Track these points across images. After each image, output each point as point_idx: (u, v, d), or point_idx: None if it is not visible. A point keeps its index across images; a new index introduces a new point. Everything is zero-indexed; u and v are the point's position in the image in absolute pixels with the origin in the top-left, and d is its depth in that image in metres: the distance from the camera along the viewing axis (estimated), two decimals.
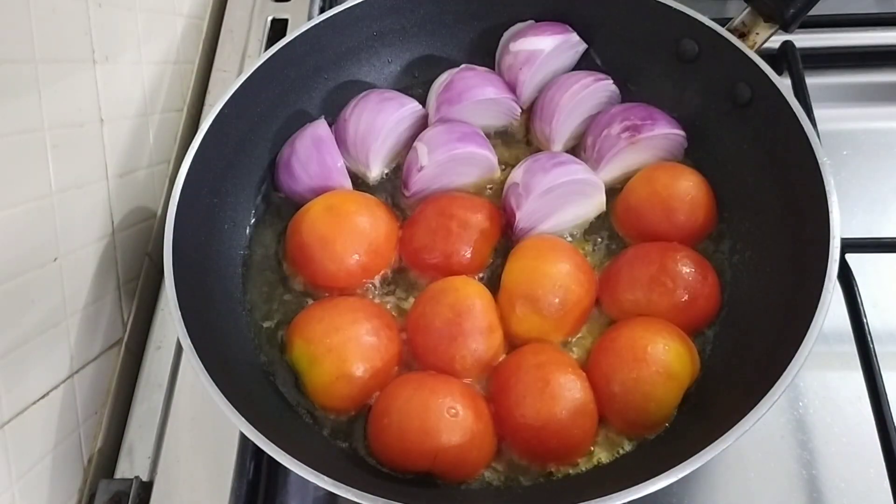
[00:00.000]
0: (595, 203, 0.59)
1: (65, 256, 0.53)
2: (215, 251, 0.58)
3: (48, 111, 0.51)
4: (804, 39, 0.70)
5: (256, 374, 0.54)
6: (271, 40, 0.75)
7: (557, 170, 0.57)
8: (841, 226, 0.47)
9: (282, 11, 0.78)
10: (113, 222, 0.60)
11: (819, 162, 0.49)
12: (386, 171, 0.65)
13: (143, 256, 0.65)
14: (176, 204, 0.52)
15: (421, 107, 0.65)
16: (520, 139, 0.67)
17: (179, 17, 0.73)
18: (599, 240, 0.60)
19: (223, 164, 0.59)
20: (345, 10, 0.62)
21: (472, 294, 0.53)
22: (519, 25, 0.67)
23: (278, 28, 0.77)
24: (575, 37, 0.66)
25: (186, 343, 0.47)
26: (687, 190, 0.57)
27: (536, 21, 0.67)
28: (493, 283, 0.55)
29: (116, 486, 0.53)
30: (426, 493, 0.49)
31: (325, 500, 0.54)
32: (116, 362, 0.60)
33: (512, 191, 0.58)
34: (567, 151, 0.63)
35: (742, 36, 0.58)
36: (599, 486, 0.43)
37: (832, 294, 0.45)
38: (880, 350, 0.52)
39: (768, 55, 0.61)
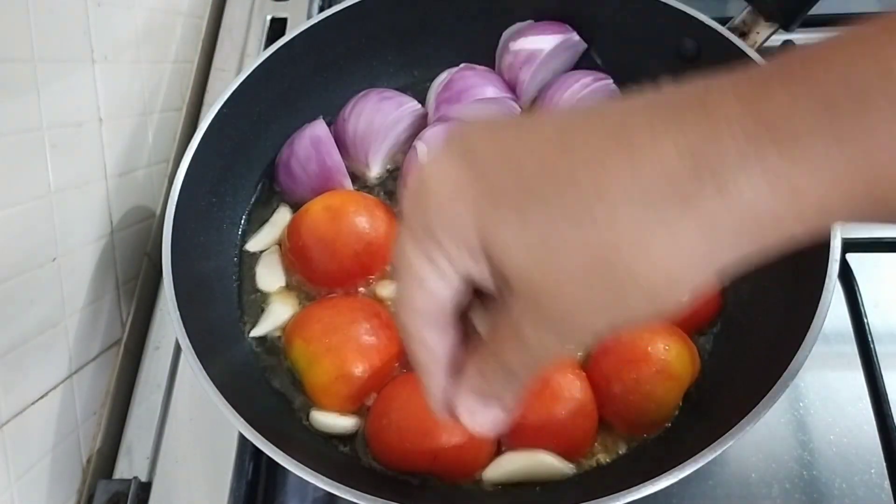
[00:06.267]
0: None
1: (63, 256, 0.53)
2: (214, 251, 0.58)
3: (47, 110, 0.51)
4: (805, 38, 0.70)
5: (255, 375, 0.54)
6: (270, 39, 0.75)
7: None
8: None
9: (281, 10, 0.77)
10: (112, 222, 0.60)
11: None
12: (386, 171, 0.64)
13: (141, 256, 0.65)
14: (175, 203, 0.52)
15: (420, 106, 0.65)
16: None
17: (178, 15, 0.72)
18: None
19: (222, 164, 0.59)
20: (344, 9, 0.62)
21: None
22: (519, 25, 0.67)
23: (277, 27, 0.77)
24: (575, 36, 0.66)
25: (185, 343, 0.46)
26: None
27: (536, 21, 0.67)
28: None
29: (115, 487, 0.53)
30: (426, 493, 0.48)
31: (324, 501, 0.54)
32: (115, 362, 0.60)
33: None
34: None
35: (743, 35, 0.58)
36: (599, 486, 0.43)
37: (833, 294, 0.44)
38: (881, 350, 0.52)
39: (769, 54, 0.60)
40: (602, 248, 0.24)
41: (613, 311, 0.25)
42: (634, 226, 0.23)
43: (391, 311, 0.28)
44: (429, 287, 0.28)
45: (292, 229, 0.58)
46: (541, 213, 0.24)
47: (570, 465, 0.48)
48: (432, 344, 0.30)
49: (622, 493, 0.40)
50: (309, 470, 0.41)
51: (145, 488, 0.53)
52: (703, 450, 0.40)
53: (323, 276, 0.57)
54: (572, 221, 0.24)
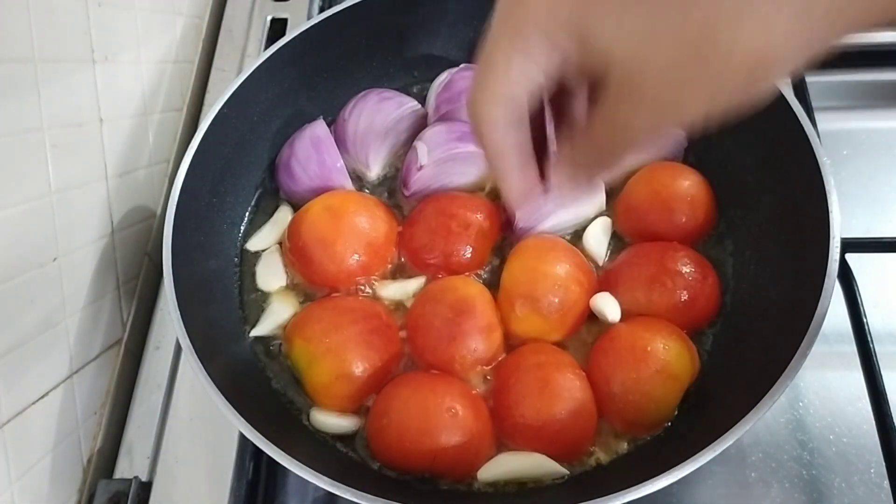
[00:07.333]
0: (595, 203, 0.59)
1: (64, 256, 0.53)
2: (214, 251, 0.58)
3: (47, 111, 0.51)
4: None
5: (256, 374, 0.54)
6: (270, 40, 0.75)
7: None
8: (841, 225, 0.47)
9: (281, 11, 0.78)
10: (112, 222, 0.60)
11: (819, 162, 0.49)
12: (386, 171, 0.64)
13: (142, 256, 0.65)
14: (175, 203, 0.52)
15: (420, 106, 0.65)
16: None
17: (179, 16, 0.73)
18: None
19: (222, 164, 0.59)
20: (344, 9, 0.62)
21: (472, 294, 0.53)
22: None
23: (277, 27, 0.77)
24: None
25: (186, 343, 0.47)
26: (687, 189, 0.57)
27: None
28: (493, 283, 0.55)
29: (116, 486, 0.53)
30: (426, 493, 0.49)
31: (325, 501, 0.54)
32: (116, 362, 0.60)
33: None
34: None
35: None
36: (599, 486, 0.43)
37: (832, 294, 0.45)
38: (880, 350, 0.52)
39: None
40: (702, 31, 0.25)
41: (712, 93, 0.27)
42: (732, 7, 0.25)
43: (469, 111, 0.30)
44: (513, 77, 0.30)
45: (292, 229, 0.58)
46: (643, 2, 0.26)
47: (565, 467, 0.48)
48: (505, 139, 0.33)
49: (622, 492, 0.40)
50: (309, 469, 0.42)
51: (146, 488, 0.53)
52: (703, 450, 0.41)
53: (323, 276, 0.57)
54: (674, 6, 0.25)
